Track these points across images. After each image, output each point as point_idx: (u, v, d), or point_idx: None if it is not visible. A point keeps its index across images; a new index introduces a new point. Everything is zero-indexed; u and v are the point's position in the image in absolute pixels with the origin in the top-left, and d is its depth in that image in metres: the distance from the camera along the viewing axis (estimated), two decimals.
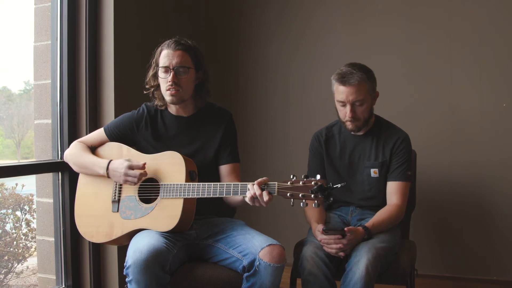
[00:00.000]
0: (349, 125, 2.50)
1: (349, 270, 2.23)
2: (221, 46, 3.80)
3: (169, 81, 2.31)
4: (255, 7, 3.72)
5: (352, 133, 2.59)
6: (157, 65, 2.38)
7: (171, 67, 2.32)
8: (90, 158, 2.39)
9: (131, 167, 2.24)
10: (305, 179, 2.03)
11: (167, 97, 2.35)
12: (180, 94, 2.35)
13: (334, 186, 2.03)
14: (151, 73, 2.41)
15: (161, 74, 2.34)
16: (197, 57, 2.38)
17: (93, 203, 2.37)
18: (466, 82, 3.21)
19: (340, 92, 2.46)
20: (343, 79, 2.44)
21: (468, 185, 3.21)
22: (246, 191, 2.09)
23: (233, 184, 2.16)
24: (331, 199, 2.03)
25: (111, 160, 2.31)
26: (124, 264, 2.09)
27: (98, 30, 2.93)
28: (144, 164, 2.26)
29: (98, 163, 2.34)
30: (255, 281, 2.14)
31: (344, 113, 2.48)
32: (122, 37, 2.96)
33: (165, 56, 2.33)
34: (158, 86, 2.40)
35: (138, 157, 2.35)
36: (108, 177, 2.31)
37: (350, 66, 2.48)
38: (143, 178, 2.27)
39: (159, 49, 2.38)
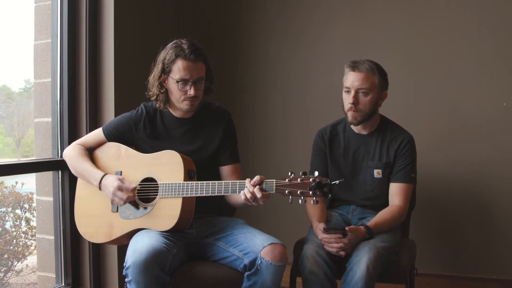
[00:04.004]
0: (350, 115, 2.49)
1: (350, 269, 2.23)
2: (221, 44, 3.79)
3: (191, 94, 2.28)
4: (254, 5, 3.71)
5: (357, 132, 2.59)
6: (165, 72, 2.31)
7: (191, 80, 2.28)
8: (86, 166, 2.36)
9: (120, 188, 2.23)
10: (303, 176, 2.03)
11: (184, 106, 2.33)
12: (197, 104, 2.35)
13: (332, 183, 2.03)
14: (156, 81, 2.34)
15: (178, 85, 2.28)
16: (209, 65, 2.37)
17: (92, 203, 2.37)
18: (466, 82, 3.21)
19: (349, 77, 2.49)
20: (354, 64, 2.48)
21: (468, 184, 3.21)
22: (244, 188, 2.09)
23: (231, 182, 2.16)
24: (330, 195, 2.03)
25: (105, 175, 2.30)
26: (124, 264, 2.09)
27: (98, 28, 2.93)
28: (135, 187, 2.25)
29: (93, 175, 2.33)
30: (257, 280, 2.14)
31: (348, 101, 2.48)
32: (122, 35, 2.96)
33: (185, 68, 2.26)
34: (164, 93, 2.35)
35: (136, 157, 2.36)
36: (100, 190, 2.31)
37: (366, 59, 2.51)
38: (130, 201, 2.26)
39: (171, 56, 2.28)
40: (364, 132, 2.58)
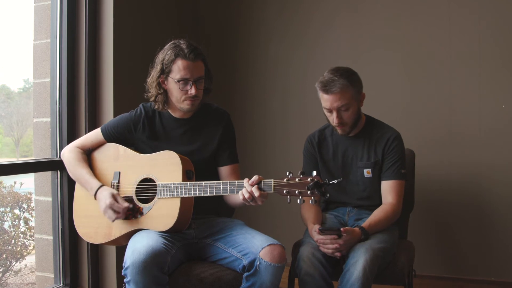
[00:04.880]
0: (339, 130, 2.53)
1: (347, 270, 2.23)
2: (220, 44, 3.79)
3: (192, 93, 2.29)
4: (254, 5, 3.71)
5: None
6: (164, 73, 2.31)
7: (192, 80, 2.29)
8: (83, 173, 2.36)
9: (112, 207, 2.22)
10: (301, 176, 2.03)
11: (185, 106, 2.33)
12: (197, 103, 2.36)
13: (330, 182, 2.04)
14: (155, 81, 2.34)
15: (179, 85, 2.28)
16: (207, 64, 2.38)
17: (91, 204, 2.36)
18: (466, 83, 3.21)
19: (325, 100, 2.47)
20: (325, 88, 2.45)
21: (466, 186, 3.21)
22: (243, 188, 2.09)
23: (229, 182, 2.16)
24: (328, 195, 2.03)
25: (100, 186, 2.30)
26: (123, 264, 2.09)
27: (97, 28, 2.93)
28: (127, 207, 2.23)
29: (90, 184, 2.33)
30: (255, 281, 2.14)
31: (332, 119, 2.50)
32: (121, 35, 2.96)
33: (185, 67, 2.27)
34: (163, 93, 2.36)
35: (135, 157, 2.36)
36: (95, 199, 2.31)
37: (332, 72, 2.46)
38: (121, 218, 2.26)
39: (170, 56, 2.28)
40: (351, 134, 2.59)
